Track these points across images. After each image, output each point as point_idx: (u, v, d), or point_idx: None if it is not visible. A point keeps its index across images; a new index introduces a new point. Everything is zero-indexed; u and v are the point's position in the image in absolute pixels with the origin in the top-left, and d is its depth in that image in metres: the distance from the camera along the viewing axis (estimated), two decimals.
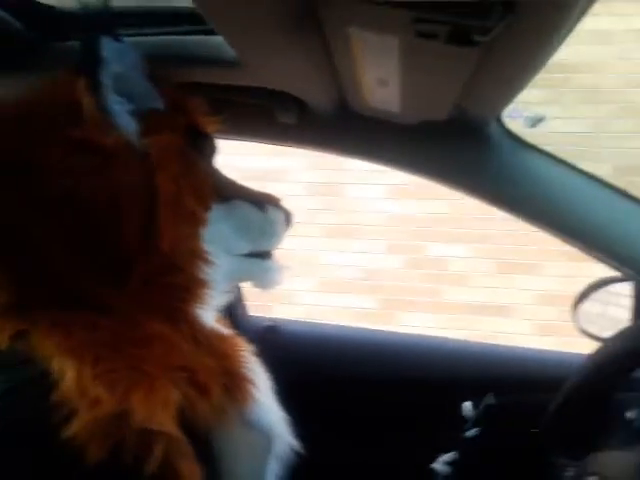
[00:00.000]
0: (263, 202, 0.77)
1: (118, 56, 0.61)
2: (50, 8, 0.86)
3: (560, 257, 3.01)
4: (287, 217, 0.79)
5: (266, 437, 0.64)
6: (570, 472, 0.78)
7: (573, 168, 0.97)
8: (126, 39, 0.65)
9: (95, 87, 0.59)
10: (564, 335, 2.84)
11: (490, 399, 1.02)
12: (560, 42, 0.63)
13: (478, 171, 0.94)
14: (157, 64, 0.79)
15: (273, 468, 0.65)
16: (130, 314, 0.58)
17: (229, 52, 0.77)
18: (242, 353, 0.66)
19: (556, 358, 1.17)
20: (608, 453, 0.77)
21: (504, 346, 1.30)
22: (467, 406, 1.04)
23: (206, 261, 0.64)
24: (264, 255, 0.77)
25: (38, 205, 0.56)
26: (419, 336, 1.45)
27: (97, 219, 0.57)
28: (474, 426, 1.01)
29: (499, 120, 0.92)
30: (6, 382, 0.51)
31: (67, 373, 0.50)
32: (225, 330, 0.70)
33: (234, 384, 0.60)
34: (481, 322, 3.18)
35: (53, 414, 0.47)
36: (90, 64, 0.59)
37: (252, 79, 0.84)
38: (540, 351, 1.22)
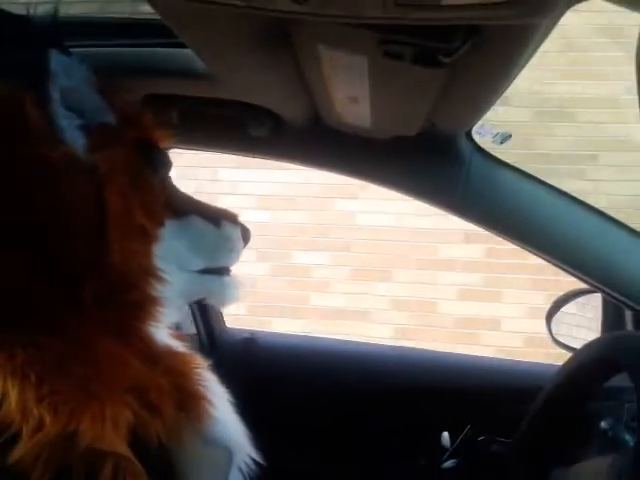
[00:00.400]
0: (219, 218, 0.76)
1: (67, 70, 0.60)
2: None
3: (411, 264, 3.28)
4: (244, 233, 0.79)
5: (226, 452, 0.63)
6: None
7: (542, 183, 0.98)
8: (80, 50, 0.65)
9: (43, 101, 0.57)
10: (422, 339, 3.15)
11: (468, 432, 1.03)
12: (525, 61, 0.64)
13: (448, 185, 0.95)
14: (128, 75, 0.79)
15: None
16: (80, 333, 0.56)
17: (198, 64, 0.77)
18: (196, 370, 0.64)
19: (532, 369, 1.19)
20: (581, 465, 0.79)
21: (478, 356, 1.32)
22: (445, 437, 1.03)
23: (158, 278, 0.63)
24: (221, 271, 0.77)
25: None
26: (398, 347, 1.45)
27: (44, 235, 0.56)
28: (451, 457, 1.01)
29: (469, 136, 0.93)
30: None
31: (9, 395, 0.48)
32: (179, 347, 0.69)
33: (188, 402, 0.60)
34: (345, 326, 3.33)
35: None
36: (38, 78, 0.58)
37: (223, 92, 0.84)
38: (516, 362, 1.23)
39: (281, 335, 1.41)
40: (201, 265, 0.74)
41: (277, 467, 0.71)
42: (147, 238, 0.63)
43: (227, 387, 0.69)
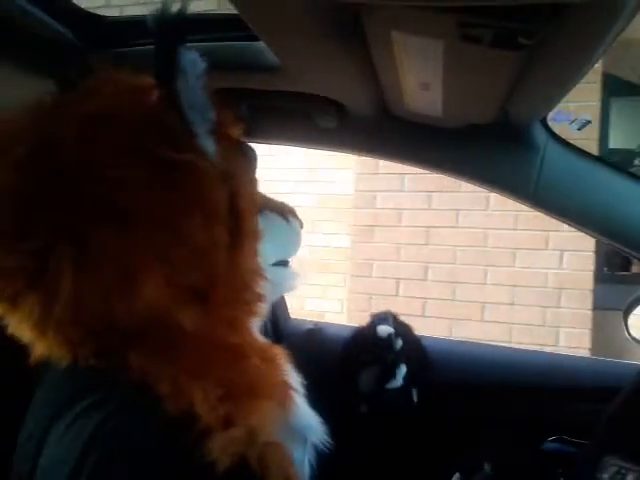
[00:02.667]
0: (285, 212, 0.80)
1: (192, 67, 0.57)
2: (101, 18, 0.89)
3: None
4: (302, 226, 0.83)
5: (303, 439, 0.65)
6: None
7: (620, 171, 0.94)
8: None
9: (174, 101, 0.56)
10: None
11: (487, 469, 0.97)
12: (607, 46, 0.61)
13: (523, 175, 0.92)
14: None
15: (307, 469, 0.67)
16: (211, 333, 0.58)
17: (271, 58, 0.78)
18: (283, 361, 0.66)
19: (610, 367, 1.13)
20: None
21: (554, 354, 1.27)
22: (456, 477, 0.96)
23: (262, 276, 0.65)
24: (286, 263, 0.81)
25: (119, 217, 0.52)
26: (469, 343, 1.41)
27: (188, 239, 0.55)
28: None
29: (544, 123, 0.90)
30: (106, 401, 0.51)
31: (194, 393, 0.51)
32: (265, 340, 0.71)
33: (283, 393, 0.62)
34: None
35: (185, 432, 0.49)
36: (169, 74, 0.56)
37: (293, 84, 0.85)
38: (593, 360, 1.18)
39: (344, 326, 1.41)
40: (274, 259, 0.77)
41: (343, 453, 0.72)
42: (257, 237, 0.65)
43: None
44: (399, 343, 1.00)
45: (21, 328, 0.54)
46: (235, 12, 0.65)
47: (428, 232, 3.10)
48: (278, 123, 1.00)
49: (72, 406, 0.52)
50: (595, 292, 2.89)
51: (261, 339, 0.70)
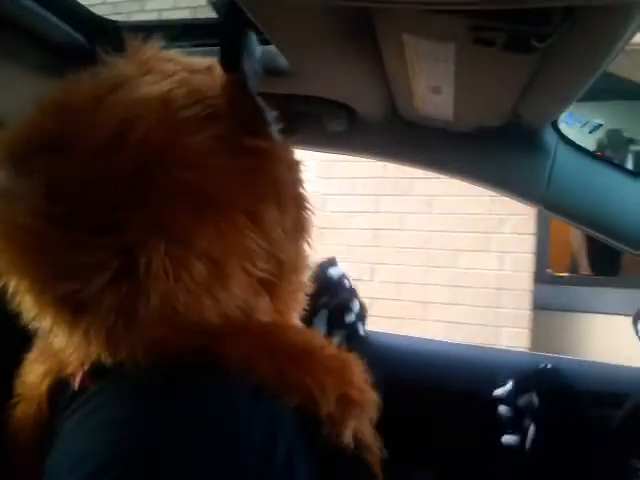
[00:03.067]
0: None
1: (255, 51, 0.57)
2: (113, 22, 0.89)
3: None
4: None
5: None
6: None
7: (632, 174, 0.93)
8: None
9: (244, 85, 0.54)
10: None
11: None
12: (619, 49, 0.61)
13: (534, 178, 0.92)
14: None
15: None
16: (284, 323, 0.59)
17: (281, 61, 0.78)
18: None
19: (615, 372, 1.12)
20: None
21: (556, 357, 1.26)
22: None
23: (308, 266, 0.65)
24: None
25: (207, 208, 0.51)
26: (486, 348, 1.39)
27: (266, 228, 0.55)
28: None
29: (555, 125, 0.90)
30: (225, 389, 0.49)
31: (326, 386, 0.51)
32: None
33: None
34: None
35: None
36: (237, 57, 0.54)
37: (304, 88, 0.85)
38: (598, 364, 1.17)
39: (390, 335, 1.38)
40: None
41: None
42: (310, 226, 0.65)
43: None
44: (349, 282, 1.06)
45: (85, 336, 0.50)
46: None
47: (376, 234, 3.20)
48: (288, 127, 1.00)
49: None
50: (534, 293, 2.97)
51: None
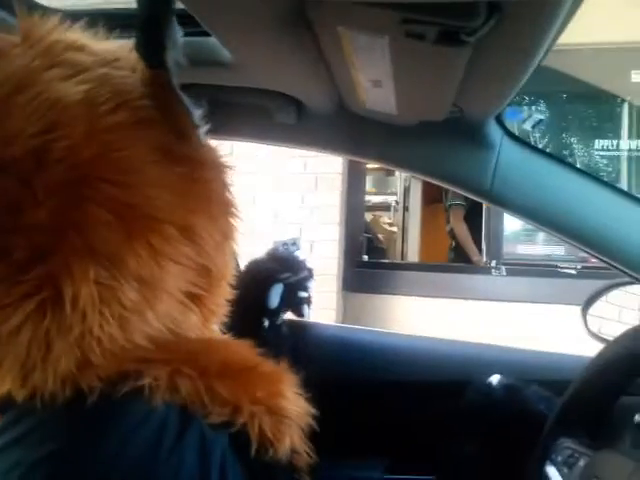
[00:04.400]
0: None
1: (178, 41, 0.52)
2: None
3: None
4: None
5: None
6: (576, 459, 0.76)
7: (574, 168, 0.96)
8: None
9: (169, 82, 0.50)
10: None
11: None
12: (551, 41, 0.62)
13: (479, 171, 0.93)
14: None
15: None
16: (213, 339, 0.59)
17: (224, 53, 0.77)
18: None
19: (557, 360, 1.15)
20: (612, 454, 0.76)
21: (493, 346, 1.27)
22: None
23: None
24: None
25: (136, 224, 0.47)
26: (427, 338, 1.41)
27: (198, 240, 0.53)
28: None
29: (499, 120, 0.91)
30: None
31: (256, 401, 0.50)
32: None
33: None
34: None
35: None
36: (158, 49, 0.48)
37: (248, 80, 0.85)
38: (539, 353, 1.20)
39: (328, 326, 1.39)
40: None
41: None
42: (237, 230, 0.64)
43: None
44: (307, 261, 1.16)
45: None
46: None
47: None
48: (235, 119, 1.00)
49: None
50: (343, 276, 3.14)
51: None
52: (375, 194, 4.90)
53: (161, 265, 0.48)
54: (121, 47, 0.54)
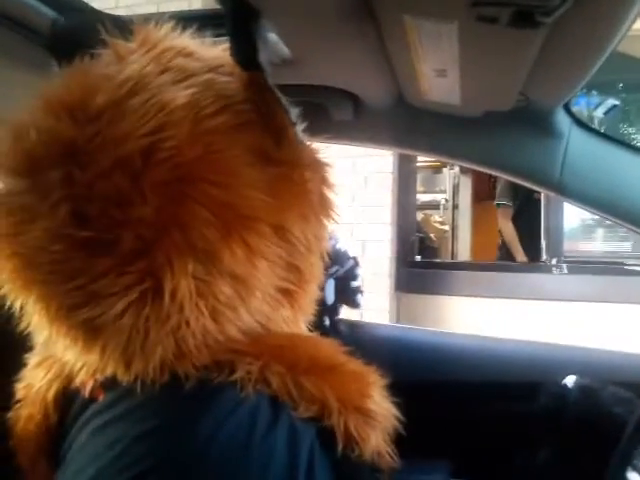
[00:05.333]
0: None
1: (271, 43, 0.55)
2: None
3: None
4: None
5: None
6: None
7: None
8: None
9: (265, 83, 0.51)
10: None
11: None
12: (629, 24, 0.58)
13: (547, 163, 0.89)
14: None
15: None
16: (303, 335, 0.59)
17: (283, 50, 0.77)
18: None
19: (633, 361, 1.09)
20: None
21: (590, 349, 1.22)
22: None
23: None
24: None
25: (234, 225, 0.48)
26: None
27: (292, 240, 0.53)
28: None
29: (567, 108, 0.87)
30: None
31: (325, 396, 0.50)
32: None
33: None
34: None
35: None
36: (252, 52, 0.50)
37: (307, 77, 0.83)
38: (613, 353, 1.13)
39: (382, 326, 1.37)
40: None
41: None
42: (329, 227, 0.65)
43: None
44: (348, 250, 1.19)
45: (99, 355, 0.48)
46: None
47: None
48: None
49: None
50: (395, 277, 3.09)
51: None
52: (424, 192, 4.83)
53: (254, 263, 0.49)
54: (226, 53, 0.55)
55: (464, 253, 4.56)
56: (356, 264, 1.17)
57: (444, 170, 4.89)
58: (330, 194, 0.58)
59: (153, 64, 0.51)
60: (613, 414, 0.85)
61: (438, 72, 0.70)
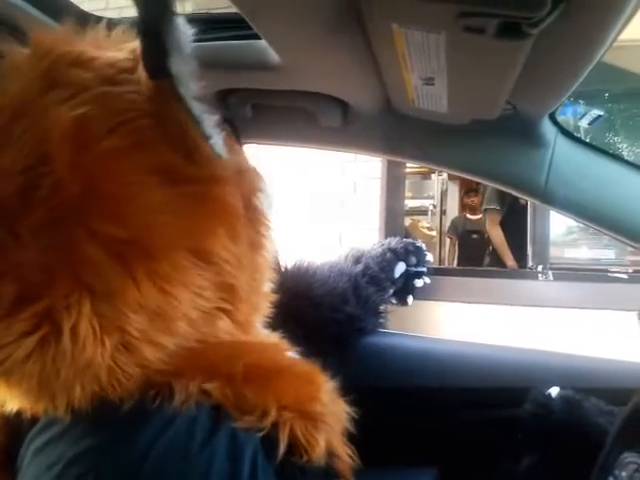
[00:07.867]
0: None
1: (187, 43, 0.44)
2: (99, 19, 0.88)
3: None
4: None
5: None
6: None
7: (634, 166, 0.91)
8: None
9: (175, 90, 0.43)
10: None
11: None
12: (615, 34, 0.59)
13: (533, 171, 0.90)
14: (201, 70, 0.80)
15: None
16: (248, 341, 0.57)
17: (272, 56, 0.77)
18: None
19: (620, 368, 1.10)
20: None
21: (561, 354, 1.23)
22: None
23: (272, 271, 0.63)
24: None
25: (136, 254, 0.45)
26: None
27: (214, 260, 0.50)
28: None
29: (552, 117, 0.88)
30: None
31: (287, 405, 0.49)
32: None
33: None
34: None
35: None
36: (161, 54, 0.42)
37: (296, 83, 0.84)
38: (605, 361, 1.14)
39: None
40: None
41: None
42: (270, 231, 0.62)
43: None
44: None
45: (25, 397, 0.47)
46: (234, 10, 0.64)
47: None
48: (282, 123, 0.99)
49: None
50: None
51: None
52: (412, 198, 4.85)
53: (171, 292, 0.46)
54: (135, 55, 0.48)
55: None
56: (425, 272, 1.44)
57: (432, 176, 4.91)
58: (260, 202, 0.55)
59: (40, 79, 0.46)
60: (595, 424, 0.86)
61: (426, 80, 0.70)
